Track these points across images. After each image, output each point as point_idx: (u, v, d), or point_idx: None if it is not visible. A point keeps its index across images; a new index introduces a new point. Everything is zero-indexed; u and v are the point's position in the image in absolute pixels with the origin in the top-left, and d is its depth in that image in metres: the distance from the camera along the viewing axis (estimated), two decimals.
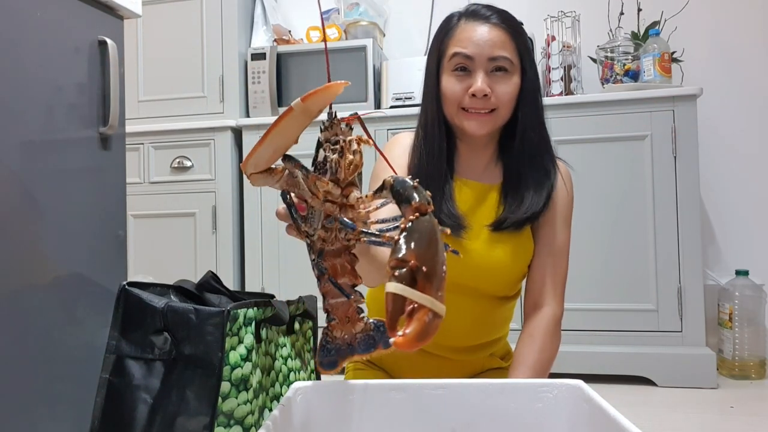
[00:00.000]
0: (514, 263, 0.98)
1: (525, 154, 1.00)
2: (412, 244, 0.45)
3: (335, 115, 0.57)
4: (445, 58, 0.98)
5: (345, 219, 0.56)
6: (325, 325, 0.62)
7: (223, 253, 2.33)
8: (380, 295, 1.05)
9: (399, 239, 0.45)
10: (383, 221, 0.59)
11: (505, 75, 0.96)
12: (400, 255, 0.44)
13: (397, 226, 0.55)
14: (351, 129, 0.57)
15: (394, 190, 0.51)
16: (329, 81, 0.51)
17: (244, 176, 2.22)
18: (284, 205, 0.59)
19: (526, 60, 0.99)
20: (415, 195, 0.49)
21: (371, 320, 0.61)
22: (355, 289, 0.62)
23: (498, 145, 1.04)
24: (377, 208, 0.58)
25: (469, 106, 0.96)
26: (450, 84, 0.97)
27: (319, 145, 0.58)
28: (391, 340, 0.41)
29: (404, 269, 0.43)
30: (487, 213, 0.99)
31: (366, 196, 0.56)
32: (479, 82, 0.94)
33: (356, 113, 0.57)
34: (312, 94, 0.46)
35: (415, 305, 0.42)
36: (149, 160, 2.40)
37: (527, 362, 0.92)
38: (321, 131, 0.58)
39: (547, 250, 1.00)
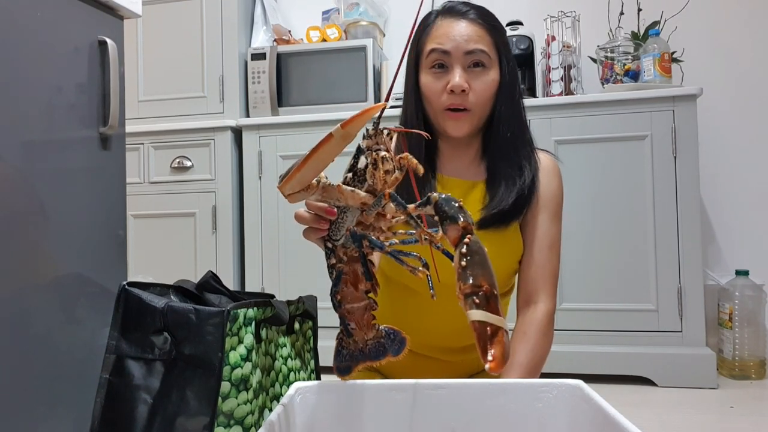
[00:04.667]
0: (500, 261, 0.97)
1: (500, 151, 0.99)
2: (479, 269, 0.49)
3: (378, 125, 0.58)
4: (423, 55, 0.98)
5: (374, 239, 0.58)
6: (340, 329, 0.63)
7: (223, 253, 2.33)
8: None
9: (465, 265, 0.49)
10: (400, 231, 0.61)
11: (483, 71, 0.96)
12: (472, 281, 0.48)
13: (416, 239, 0.58)
14: (391, 138, 0.58)
15: (439, 207, 0.53)
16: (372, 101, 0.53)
17: (244, 179, 2.20)
18: (304, 209, 0.61)
19: (504, 56, 0.98)
20: (461, 215, 0.51)
21: (383, 327, 0.63)
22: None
23: (482, 142, 1.03)
24: (406, 221, 0.59)
25: (449, 103, 0.96)
26: (429, 82, 0.97)
27: (360, 151, 0.59)
28: (487, 366, 0.45)
29: (480, 294, 0.47)
30: (472, 210, 0.99)
31: (407, 209, 0.58)
32: (457, 77, 0.94)
33: (400, 126, 0.59)
34: (351, 120, 0.48)
35: (493, 327, 0.47)
36: (149, 160, 2.40)
37: (520, 360, 0.92)
38: (363, 138, 0.58)
39: (537, 246, 0.99)
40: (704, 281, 1.99)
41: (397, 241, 0.59)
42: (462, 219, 0.51)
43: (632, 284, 2.00)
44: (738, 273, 2.11)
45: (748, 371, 2.03)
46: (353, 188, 0.57)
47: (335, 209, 0.59)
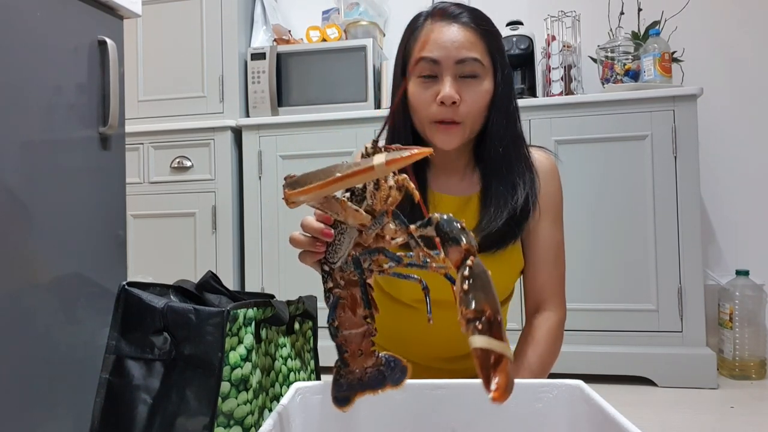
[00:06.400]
0: (498, 280, 0.94)
1: (492, 168, 0.94)
2: (482, 294, 0.46)
3: (377, 142, 0.56)
4: (411, 62, 0.92)
5: (390, 252, 0.56)
6: (338, 358, 0.61)
7: (223, 253, 2.33)
8: None
9: (467, 288, 0.46)
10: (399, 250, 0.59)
11: (476, 81, 0.89)
12: (474, 306, 0.45)
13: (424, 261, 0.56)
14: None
15: (440, 229, 0.51)
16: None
17: (244, 179, 2.17)
18: (299, 231, 0.59)
19: (498, 63, 0.91)
20: (464, 237, 0.49)
21: (383, 354, 0.60)
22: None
23: (473, 150, 0.98)
24: (405, 242, 0.57)
25: (439, 116, 0.89)
26: (416, 92, 0.90)
27: None
28: (489, 396, 0.42)
29: (483, 320, 0.45)
30: (468, 225, 0.95)
31: (409, 228, 0.56)
32: (447, 88, 0.87)
33: (399, 151, 0.57)
34: (398, 160, 0.46)
35: (496, 355, 0.44)
36: (149, 160, 2.40)
37: (529, 366, 0.91)
38: (362, 156, 0.56)
39: (543, 255, 0.97)
40: (704, 281, 1.99)
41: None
42: (465, 241, 0.49)
43: (632, 284, 2.00)
44: (738, 273, 2.11)
45: (748, 371, 2.03)
46: (357, 207, 0.55)
47: (332, 231, 0.57)
